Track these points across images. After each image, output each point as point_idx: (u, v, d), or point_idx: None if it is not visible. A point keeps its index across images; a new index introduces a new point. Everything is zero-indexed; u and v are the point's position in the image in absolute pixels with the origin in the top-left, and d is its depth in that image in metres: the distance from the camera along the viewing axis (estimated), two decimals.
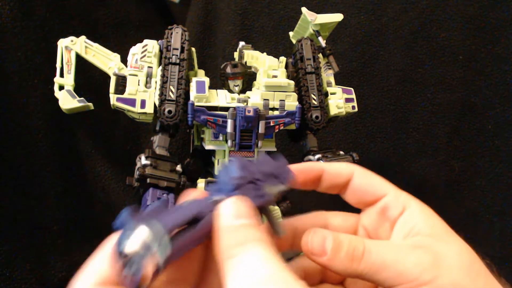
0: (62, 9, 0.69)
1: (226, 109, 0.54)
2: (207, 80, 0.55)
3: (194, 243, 0.29)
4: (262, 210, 0.33)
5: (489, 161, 0.83)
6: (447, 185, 0.84)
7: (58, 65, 0.55)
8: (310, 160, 0.57)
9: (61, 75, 0.55)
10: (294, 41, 0.64)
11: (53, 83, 0.56)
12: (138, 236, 0.26)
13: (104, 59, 0.56)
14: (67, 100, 0.55)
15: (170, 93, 0.53)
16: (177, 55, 0.55)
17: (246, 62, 0.60)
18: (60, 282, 0.64)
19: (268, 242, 0.28)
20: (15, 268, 0.61)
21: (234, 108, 0.53)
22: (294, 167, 0.36)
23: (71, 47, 0.55)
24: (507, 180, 0.82)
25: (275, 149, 0.58)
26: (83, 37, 0.56)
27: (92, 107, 0.56)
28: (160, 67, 0.55)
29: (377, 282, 0.32)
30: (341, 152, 0.58)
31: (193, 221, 0.28)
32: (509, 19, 0.80)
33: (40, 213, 0.65)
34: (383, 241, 0.36)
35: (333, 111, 0.59)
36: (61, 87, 0.55)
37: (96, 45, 0.57)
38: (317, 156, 0.56)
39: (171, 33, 0.56)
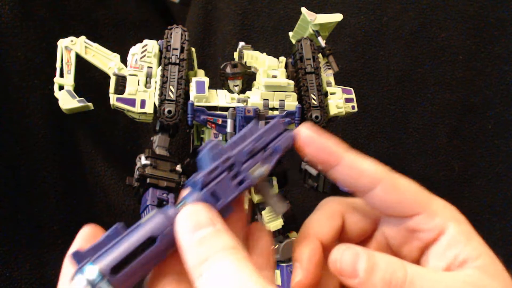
0: (62, 9, 0.69)
1: (226, 109, 0.54)
2: (206, 80, 0.55)
3: (148, 267, 0.27)
4: (256, 190, 0.31)
5: (489, 161, 0.83)
6: (447, 185, 0.84)
7: (58, 65, 0.55)
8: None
9: (61, 75, 0.55)
10: (293, 41, 0.64)
11: (53, 83, 0.56)
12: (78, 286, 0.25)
13: (104, 59, 0.56)
14: (67, 100, 0.54)
15: (170, 93, 0.53)
16: (176, 55, 0.55)
17: (245, 62, 0.60)
18: None
19: (235, 248, 0.26)
20: (15, 268, 0.61)
21: (234, 108, 0.53)
22: (307, 134, 0.31)
23: (71, 47, 0.55)
24: (507, 180, 0.82)
25: None
26: (83, 37, 0.56)
27: (92, 107, 0.56)
28: (160, 67, 0.55)
29: None
30: None
31: (149, 241, 0.26)
32: (509, 19, 0.80)
33: (40, 213, 0.65)
34: (429, 271, 0.30)
35: (333, 111, 0.59)
36: (61, 87, 0.55)
37: (96, 45, 0.57)
38: None
39: (171, 33, 0.56)
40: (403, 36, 0.82)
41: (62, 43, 0.56)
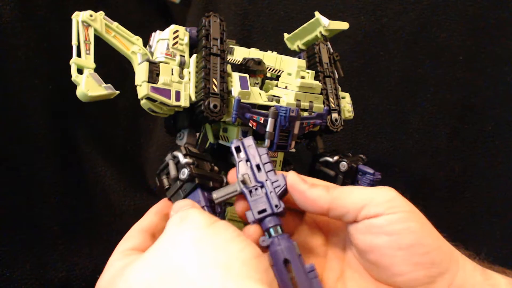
0: (62, 9, 0.69)
1: (264, 107, 0.50)
2: (247, 76, 0.50)
3: None
4: None
5: (489, 161, 0.83)
6: (447, 185, 0.84)
7: (74, 43, 0.45)
8: (327, 161, 0.56)
9: (78, 55, 0.45)
10: (288, 44, 0.63)
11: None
12: None
13: (126, 41, 0.48)
14: (93, 87, 0.44)
15: (214, 86, 0.47)
16: (217, 46, 0.49)
17: None
18: (60, 282, 0.64)
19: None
20: (15, 268, 0.61)
21: (276, 107, 0.49)
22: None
23: (90, 23, 0.46)
24: (507, 180, 0.82)
25: (293, 150, 0.56)
26: (101, 13, 0.47)
27: (116, 94, 0.47)
28: (193, 57, 0.49)
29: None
30: (349, 154, 0.58)
31: None
32: (509, 19, 0.80)
33: (40, 213, 0.65)
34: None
35: (345, 114, 0.59)
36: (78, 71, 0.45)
37: (116, 24, 0.48)
38: (335, 157, 0.55)
39: (209, 21, 0.50)
40: (403, 36, 0.82)
41: (78, 16, 0.45)
